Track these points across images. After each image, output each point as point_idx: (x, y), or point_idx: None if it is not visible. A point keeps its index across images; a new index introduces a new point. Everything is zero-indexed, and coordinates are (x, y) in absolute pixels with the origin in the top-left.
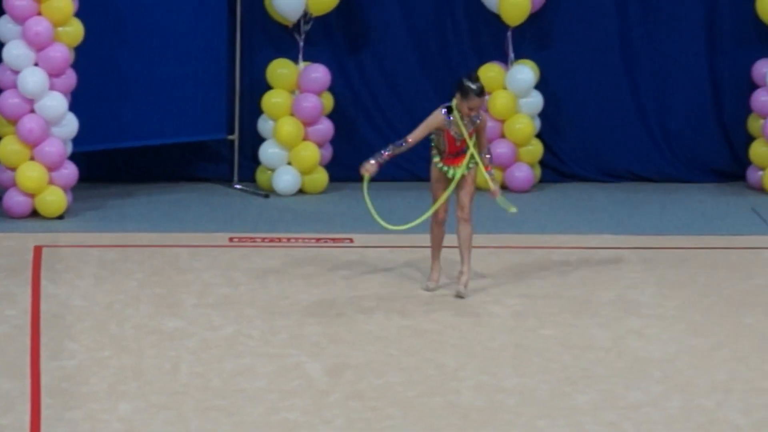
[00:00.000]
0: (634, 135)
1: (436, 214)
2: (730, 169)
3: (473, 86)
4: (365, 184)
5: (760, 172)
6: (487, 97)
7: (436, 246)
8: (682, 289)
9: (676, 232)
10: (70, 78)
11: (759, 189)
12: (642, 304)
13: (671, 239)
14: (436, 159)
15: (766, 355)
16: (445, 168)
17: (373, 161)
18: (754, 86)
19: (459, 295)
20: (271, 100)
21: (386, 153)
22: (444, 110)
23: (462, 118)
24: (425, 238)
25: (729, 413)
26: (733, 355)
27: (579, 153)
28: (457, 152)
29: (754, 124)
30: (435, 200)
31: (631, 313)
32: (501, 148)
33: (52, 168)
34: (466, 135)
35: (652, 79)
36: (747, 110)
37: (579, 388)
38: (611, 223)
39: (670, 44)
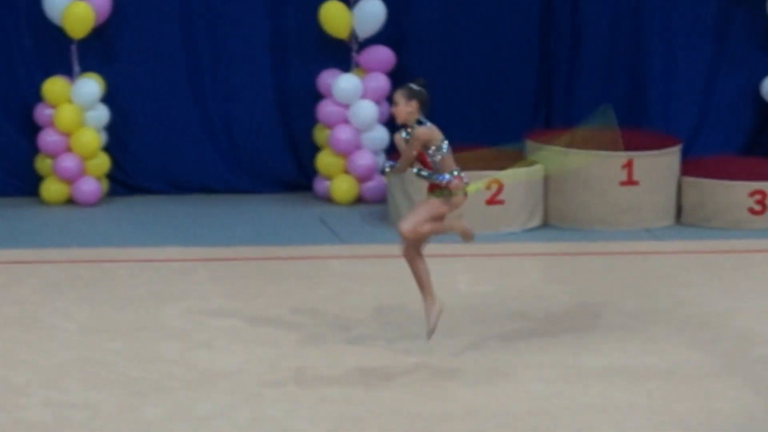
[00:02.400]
0: (201, 148)
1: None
2: (297, 179)
3: (423, 85)
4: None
5: (327, 182)
6: None
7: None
8: (250, 300)
9: (244, 243)
10: None
11: (326, 199)
12: (210, 316)
13: (240, 250)
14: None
15: (333, 363)
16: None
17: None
18: (319, 97)
19: None
20: None
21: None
22: (401, 132)
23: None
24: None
25: (297, 422)
26: (299, 364)
27: (147, 166)
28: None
29: (320, 134)
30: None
31: (200, 325)
32: (67, 162)
33: None
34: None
35: (218, 93)
36: (313, 121)
37: (149, 401)
38: (180, 235)
39: (235, 57)
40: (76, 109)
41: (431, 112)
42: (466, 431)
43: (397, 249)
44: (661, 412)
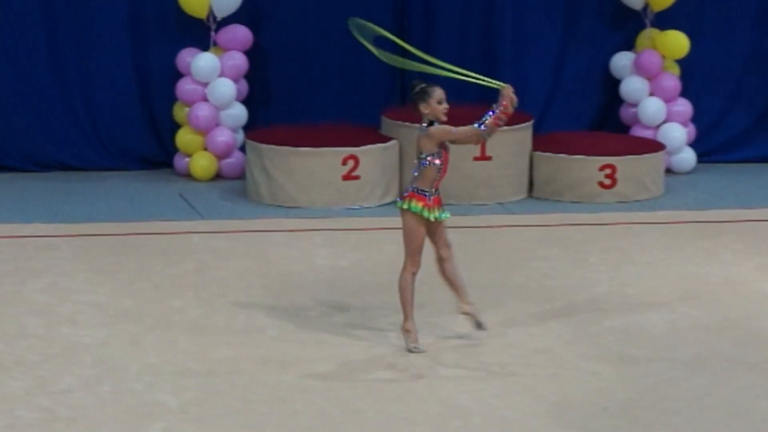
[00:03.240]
0: (62, 126)
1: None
2: (158, 156)
3: (423, 84)
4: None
5: (187, 159)
6: None
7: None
8: (113, 275)
9: (106, 219)
10: None
11: (186, 175)
12: (74, 291)
13: (102, 226)
14: (419, 207)
15: (195, 338)
16: (427, 213)
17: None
18: (178, 75)
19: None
20: None
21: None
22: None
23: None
24: None
25: (159, 395)
26: (162, 338)
27: (9, 144)
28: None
29: (179, 112)
30: (417, 250)
31: (63, 300)
32: None
33: None
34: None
35: (79, 71)
36: (172, 99)
37: (12, 375)
38: (42, 212)
39: (95, 37)
40: None
41: (289, 88)
42: (323, 399)
43: (255, 223)
44: (515, 382)
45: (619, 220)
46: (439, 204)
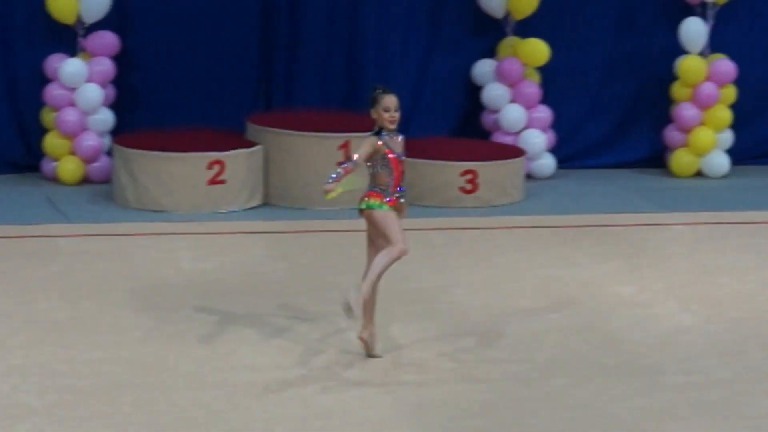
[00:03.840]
0: None
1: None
2: (25, 160)
3: (378, 89)
4: (340, 190)
5: (54, 163)
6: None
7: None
8: None
9: None
10: None
11: (53, 179)
12: None
13: None
14: (376, 202)
15: (60, 339)
16: (385, 206)
17: (332, 180)
18: (46, 80)
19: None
20: None
21: (343, 169)
22: (374, 135)
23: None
24: None
25: (24, 396)
26: (28, 340)
27: None
28: (402, 176)
29: (47, 116)
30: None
31: None
32: None
33: None
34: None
35: None
36: (40, 103)
37: None
38: None
39: None
40: None
41: (156, 94)
42: (186, 401)
43: (122, 227)
44: (376, 383)
45: (479, 225)
46: (396, 207)
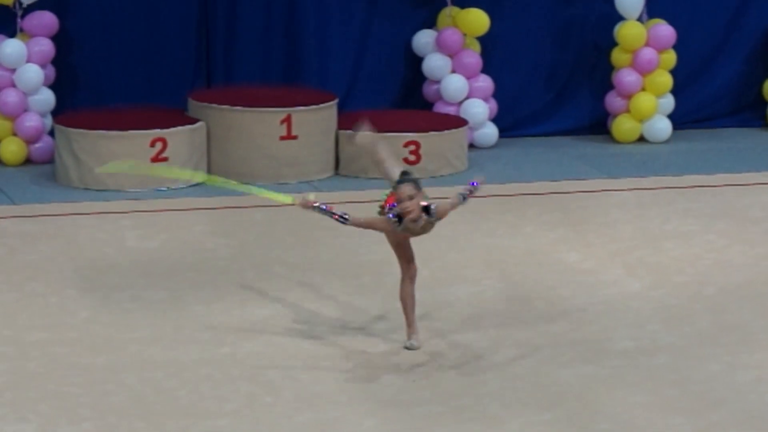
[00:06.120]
0: None
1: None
2: None
3: (404, 174)
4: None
5: None
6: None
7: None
8: None
9: None
10: None
11: None
12: None
13: None
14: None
15: (6, 321)
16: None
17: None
18: None
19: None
20: None
21: (328, 207)
22: (392, 216)
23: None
24: None
25: None
26: None
27: None
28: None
29: None
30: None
31: None
32: None
33: None
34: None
35: None
36: None
37: None
38: None
39: None
40: None
41: (96, 73)
42: (135, 379)
43: (65, 207)
44: (325, 357)
45: None
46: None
